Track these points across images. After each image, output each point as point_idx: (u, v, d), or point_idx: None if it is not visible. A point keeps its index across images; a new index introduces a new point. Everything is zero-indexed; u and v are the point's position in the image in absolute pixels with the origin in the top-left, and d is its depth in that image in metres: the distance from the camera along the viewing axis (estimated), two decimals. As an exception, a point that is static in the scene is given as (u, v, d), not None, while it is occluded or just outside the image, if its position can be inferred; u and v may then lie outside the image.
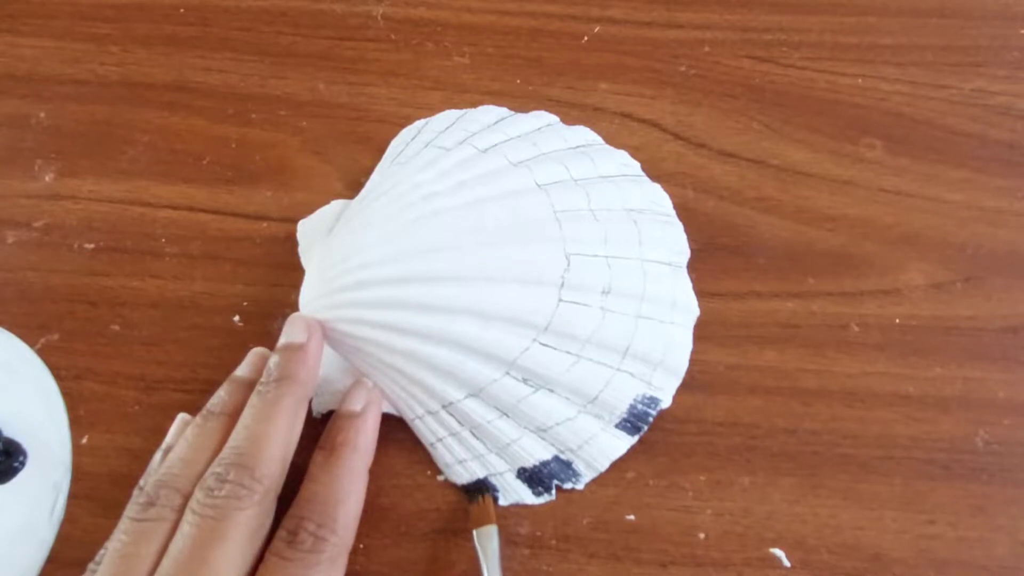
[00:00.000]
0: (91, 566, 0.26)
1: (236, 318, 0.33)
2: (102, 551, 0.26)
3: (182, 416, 0.29)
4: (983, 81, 0.37)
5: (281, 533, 0.25)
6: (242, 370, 0.29)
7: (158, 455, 0.28)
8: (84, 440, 0.31)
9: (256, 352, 0.29)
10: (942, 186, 0.35)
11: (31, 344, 0.32)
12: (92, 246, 0.35)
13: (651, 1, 0.40)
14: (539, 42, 0.39)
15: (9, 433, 0.30)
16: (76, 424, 0.31)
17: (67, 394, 0.31)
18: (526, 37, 0.39)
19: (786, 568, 0.28)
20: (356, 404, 0.29)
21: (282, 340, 0.28)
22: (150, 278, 0.34)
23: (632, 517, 0.29)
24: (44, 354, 0.32)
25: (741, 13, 0.39)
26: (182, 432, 0.28)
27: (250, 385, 0.28)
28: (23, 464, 0.29)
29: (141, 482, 0.27)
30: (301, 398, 0.27)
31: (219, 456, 0.26)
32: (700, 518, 0.29)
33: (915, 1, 0.39)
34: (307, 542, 0.25)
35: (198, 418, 0.28)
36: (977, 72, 0.37)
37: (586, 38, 0.39)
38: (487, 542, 0.27)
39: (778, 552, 0.28)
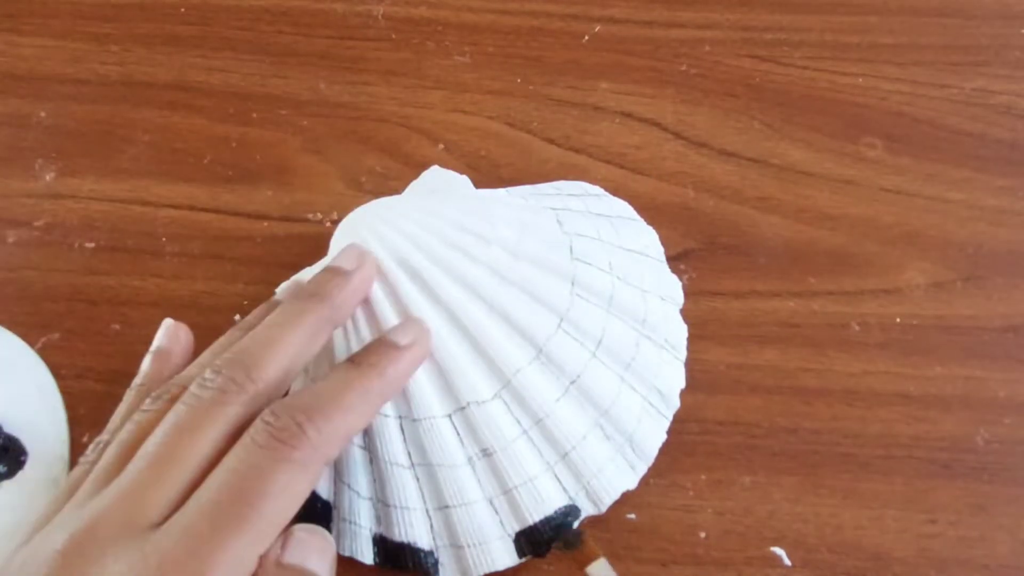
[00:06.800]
0: (91, 448, 0.25)
1: (237, 317, 0.33)
2: (105, 435, 0.25)
3: (167, 320, 0.28)
4: (984, 80, 0.37)
5: (265, 414, 0.23)
6: (280, 295, 0.29)
7: (148, 358, 0.27)
8: (84, 439, 0.31)
9: (295, 281, 0.29)
10: (943, 185, 0.35)
11: (32, 343, 0.32)
12: (93, 245, 0.35)
13: (652, 0, 0.40)
14: (540, 41, 0.39)
15: (8, 430, 0.30)
16: (76, 423, 0.31)
17: (68, 393, 0.31)
18: (527, 36, 0.39)
19: (787, 567, 0.28)
20: (402, 338, 0.25)
21: (328, 263, 0.26)
22: (151, 277, 0.34)
23: (632, 516, 0.29)
24: (45, 353, 0.32)
25: (742, 12, 0.39)
26: (167, 334, 0.28)
27: None
28: (23, 461, 0.29)
29: (135, 382, 0.27)
30: (327, 320, 0.25)
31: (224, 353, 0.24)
32: (701, 517, 0.29)
33: (916, 0, 0.39)
34: (286, 431, 0.22)
35: (229, 331, 0.27)
36: (978, 71, 0.37)
37: (587, 37, 0.39)
38: (605, 573, 0.27)
39: (779, 551, 0.28)
